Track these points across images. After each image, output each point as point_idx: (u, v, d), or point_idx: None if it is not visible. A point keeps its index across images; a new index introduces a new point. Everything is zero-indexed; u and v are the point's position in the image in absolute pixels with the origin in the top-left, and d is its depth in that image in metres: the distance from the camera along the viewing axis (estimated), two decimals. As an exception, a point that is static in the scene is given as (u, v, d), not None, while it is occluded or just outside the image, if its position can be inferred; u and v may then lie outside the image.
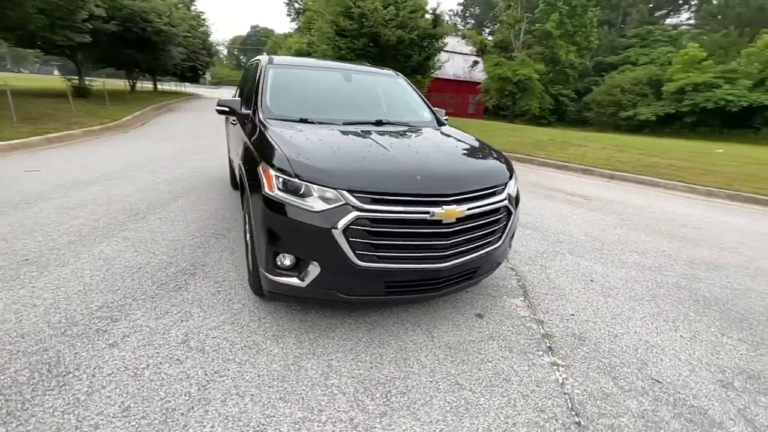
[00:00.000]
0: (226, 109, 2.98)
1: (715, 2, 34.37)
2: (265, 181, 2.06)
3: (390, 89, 3.58)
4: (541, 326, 2.50)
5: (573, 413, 1.81)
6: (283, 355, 2.06)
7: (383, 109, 3.31)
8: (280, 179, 2.00)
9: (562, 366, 2.13)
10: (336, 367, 1.99)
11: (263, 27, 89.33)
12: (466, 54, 36.24)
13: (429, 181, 2.04)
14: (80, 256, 3.01)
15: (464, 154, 2.50)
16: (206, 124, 12.48)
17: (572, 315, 2.66)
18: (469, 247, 2.16)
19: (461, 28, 55.19)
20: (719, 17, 30.86)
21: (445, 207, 2.00)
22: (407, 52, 19.86)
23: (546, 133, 15.91)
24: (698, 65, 24.77)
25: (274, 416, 1.67)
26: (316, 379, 1.90)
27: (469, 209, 2.07)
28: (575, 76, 33.50)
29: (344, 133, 2.57)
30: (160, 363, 1.94)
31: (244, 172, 2.56)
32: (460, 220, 2.05)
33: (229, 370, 1.92)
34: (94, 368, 1.87)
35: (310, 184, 1.95)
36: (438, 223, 2.00)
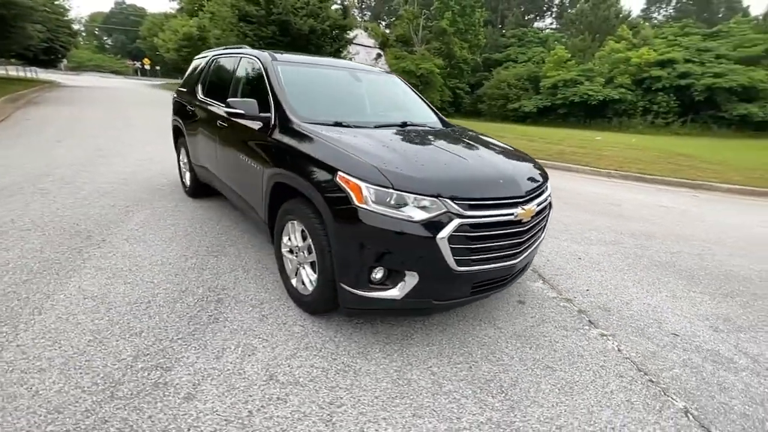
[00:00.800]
0: (240, 112, 2.63)
1: (570, 11, 40.84)
2: (351, 193, 1.93)
3: (392, 89, 3.56)
4: (572, 304, 2.85)
5: (642, 373, 2.14)
6: (383, 371, 1.99)
7: (400, 110, 3.28)
8: (372, 190, 1.90)
9: (609, 335, 2.49)
10: (440, 374, 2.01)
11: (131, 4, 77.04)
12: (369, 47, 36.76)
13: (509, 183, 2.16)
14: (53, 297, 2.40)
15: (510, 155, 2.66)
16: (95, 121, 10.53)
17: (587, 290, 3.07)
18: (532, 241, 2.35)
19: (359, 20, 55.64)
20: (577, 23, 36.74)
21: (523, 207, 2.14)
22: (319, 42, 19.38)
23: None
24: (564, 65, 29.27)
25: (421, 434, 1.64)
26: (432, 389, 1.90)
27: (537, 206, 2.26)
28: (468, 70, 36.58)
29: (404, 138, 2.52)
30: (263, 406, 1.71)
31: (288, 181, 2.33)
32: (531, 218, 2.22)
33: (341, 398, 1.80)
34: (189, 429, 1.58)
35: (405, 194, 1.90)
36: (518, 222, 2.14)
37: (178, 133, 4.64)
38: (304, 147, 2.28)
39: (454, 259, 1.95)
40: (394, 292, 1.99)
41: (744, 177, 8.08)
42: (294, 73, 2.94)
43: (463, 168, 2.19)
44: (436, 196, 1.91)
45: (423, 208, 1.90)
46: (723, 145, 17.19)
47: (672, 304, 2.97)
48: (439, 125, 3.25)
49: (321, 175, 2.09)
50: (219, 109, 3.31)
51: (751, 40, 26.13)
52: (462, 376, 2.01)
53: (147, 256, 3.04)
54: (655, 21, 48.82)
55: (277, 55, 3.06)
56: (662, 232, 4.75)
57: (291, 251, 2.51)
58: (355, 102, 3.12)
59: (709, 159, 10.62)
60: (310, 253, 2.29)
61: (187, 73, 4.72)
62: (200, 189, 4.44)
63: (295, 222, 2.34)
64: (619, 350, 2.34)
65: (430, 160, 2.19)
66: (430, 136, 2.69)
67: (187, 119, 4.13)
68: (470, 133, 3.12)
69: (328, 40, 19.89)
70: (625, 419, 1.81)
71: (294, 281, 2.50)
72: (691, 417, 1.86)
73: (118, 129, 9.63)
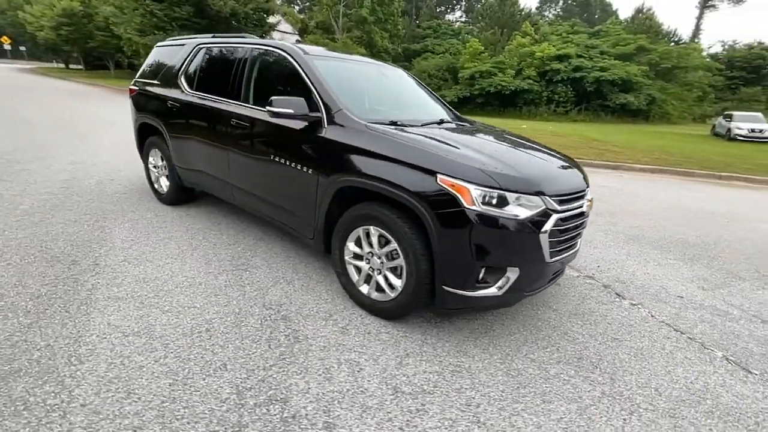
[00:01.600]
0: (289, 111, 2.40)
1: (479, 5, 43.74)
2: (459, 195, 1.93)
3: (409, 83, 3.52)
4: (594, 280, 3.20)
5: (680, 333, 2.53)
6: (490, 365, 2.06)
7: (421, 106, 3.27)
8: (480, 191, 1.93)
9: (638, 304, 2.87)
10: (538, 359, 2.15)
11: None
12: (288, 33, 35.13)
13: (575, 177, 2.35)
14: (84, 340, 2.00)
15: (549, 149, 2.85)
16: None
17: (598, 267, 3.47)
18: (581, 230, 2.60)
19: (278, 3, 52.75)
20: (486, 18, 39.44)
21: (586, 199, 2.35)
22: (240, 27, 17.98)
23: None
24: (479, 57, 31.35)
25: (562, 418, 1.76)
26: (541, 374, 2.03)
27: (589, 198, 2.49)
28: (390, 60, 37.17)
29: (466, 135, 2.54)
30: (409, 420, 1.67)
31: (363, 185, 2.22)
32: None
33: (474, 398, 1.83)
34: (354, 458, 1.48)
35: (509, 193, 1.96)
36: (582, 214, 2.34)
37: (147, 133, 4.03)
38: (380, 149, 2.19)
39: (549, 251, 2.08)
40: (494, 289, 2.06)
41: (649, 158, 9.66)
42: (330, 69, 2.76)
43: (544, 165, 2.32)
44: (539, 194, 2.01)
45: (524, 205, 1.99)
46: (614, 129, 20.15)
47: (662, 271, 3.50)
48: (455, 120, 3.31)
49: (416, 178, 2.04)
50: (235, 107, 2.97)
51: (625, 39, 30.82)
52: (557, 358, 2.17)
53: (167, 278, 2.65)
54: (547, 19, 54.57)
55: (306, 48, 2.83)
56: (618, 209, 5.50)
57: (358, 258, 2.42)
58: (392, 98, 3.04)
59: (615, 143, 12.42)
60: (392, 258, 2.23)
61: (151, 62, 4.10)
62: (182, 196, 3.96)
63: (372, 228, 2.26)
64: (652, 316, 2.72)
65: (515, 158, 2.27)
66: (480, 134, 2.77)
67: (168, 117, 3.60)
68: (495, 128, 3.26)
69: (250, 25, 18.55)
70: (694, 372, 2.15)
71: (365, 288, 2.41)
72: (732, 362, 2.27)
73: (16, 128, 7.97)
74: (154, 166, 4.06)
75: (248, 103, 2.95)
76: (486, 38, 34.90)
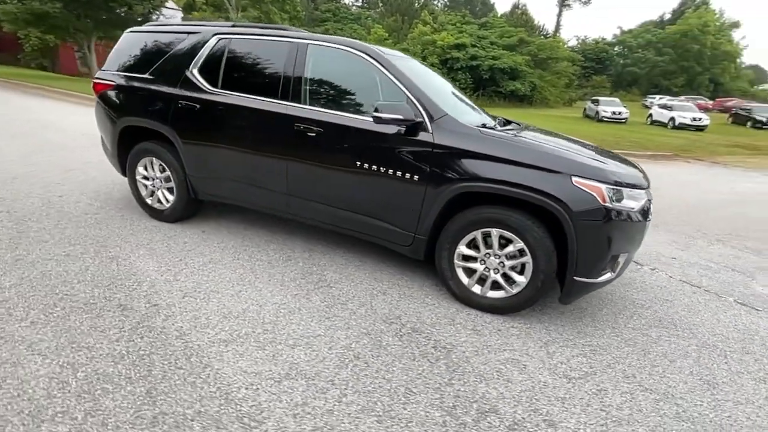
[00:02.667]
0: (399, 117, 2.28)
1: (375, -9, 44.35)
2: (595, 195, 2.13)
3: (439, 78, 3.56)
4: (611, 253, 3.77)
5: (696, 287, 3.19)
6: (612, 339, 2.36)
7: (460, 103, 3.30)
8: (610, 189, 2.16)
9: (655, 269, 3.49)
10: (636, 327, 2.52)
11: None
12: (171, 8, 30.79)
13: (635, 171, 2.74)
14: (233, 395, 1.72)
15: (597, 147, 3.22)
16: None
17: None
18: None
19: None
20: (386, 4, 40.07)
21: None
22: (125, 0, 15.24)
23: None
24: (384, 44, 31.95)
25: (691, 372, 2.13)
26: (648, 339, 2.40)
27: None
28: (291, 44, 35.49)
29: (550, 137, 2.73)
30: (599, 400, 1.86)
31: (486, 190, 2.28)
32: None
33: (624, 370, 2.10)
34: (595, 446, 1.62)
35: (626, 189, 2.24)
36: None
37: (134, 139, 3.34)
38: (506, 153, 2.26)
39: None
40: (611, 274, 2.35)
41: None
42: (408, 69, 2.66)
43: (622, 162, 2.65)
44: (641, 187, 2.33)
45: (634, 198, 2.29)
46: (509, 113, 22.68)
47: (671, 250, 4.24)
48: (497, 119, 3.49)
49: (551, 180, 2.17)
50: (301, 110, 2.68)
51: (509, 31, 34.50)
52: (645, 323, 2.57)
53: (256, 308, 2.35)
54: (437, 7, 57.85)
55: (377, 48, 2.67)
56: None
57: (470, 260, 2.48)
58: (448, 98, 3.03)
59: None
60: (514, 257, 2.35)
61: (130, 51, 3.37)
62: (190, 210, 3.43)
63: (493, 230, 2.34)
64: (670, 277, 3.35)
65: (607, 158, 2.55)
66: (552, 135, 2.97)
67: (181, 119, 3.03)
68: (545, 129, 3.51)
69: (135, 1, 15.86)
70: (729, 316, 2.76)
71: (477, 288, 2.50)
72: (741, 304, 2.97)
73: None
74: (146, 178, 3.39)
75: (306, 105, 2.69)
76: (389, 25, 35.62)
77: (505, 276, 2.42)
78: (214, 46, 3.02)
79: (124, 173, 3.56)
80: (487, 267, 2.44)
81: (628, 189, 2.26)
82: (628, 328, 2.51)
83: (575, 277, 2.26)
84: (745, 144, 13.86)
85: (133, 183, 3.48)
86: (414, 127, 2.40)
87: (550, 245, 2.24)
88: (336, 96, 2.73)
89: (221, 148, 2.99)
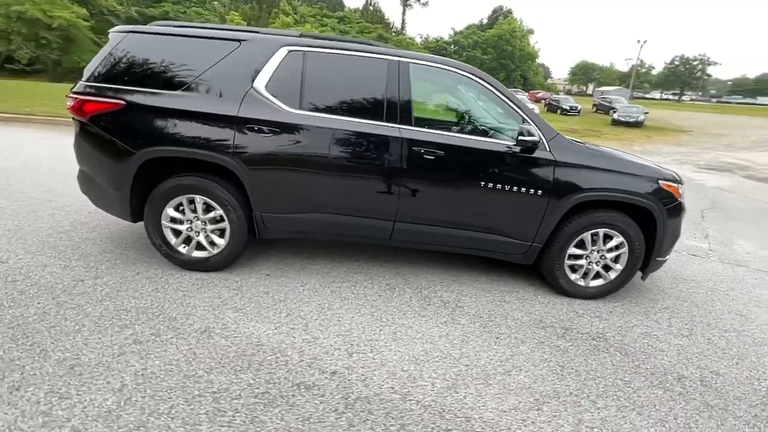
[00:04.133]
0: (536, 139, 2.44)
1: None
2: (673, 193, 2.75)
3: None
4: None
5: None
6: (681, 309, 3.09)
7: None
8: (681, 187, 2.82)
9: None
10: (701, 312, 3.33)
11: None
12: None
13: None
14: None
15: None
16: None
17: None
18: None
19: None
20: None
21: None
22: None
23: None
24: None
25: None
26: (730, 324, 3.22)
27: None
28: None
29: (603, 148, 3.25)
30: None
31: (604, 197, 2.70)
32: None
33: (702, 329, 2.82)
34: (751, 379, 2.22)
35: (681, 185, 2.94)
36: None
37: (159, 174, 2.60)
38: (605, 164, 2.71)
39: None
40: (671, 252, 3.06)
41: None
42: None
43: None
44: (681, 182, 3.08)
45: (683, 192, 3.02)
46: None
47: None
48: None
49: (644, 184, 2.71)
50: (409, 132, 2.56)
51: (367, 27, 36.08)
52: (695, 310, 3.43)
53: (432, 345, 2.25)
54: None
55: (478, 70, 2.72)
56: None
57: (577, 258, 2.87)
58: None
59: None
60: (611, 250, 2.83)
61: (151, 61, 2.56)
62: (237, 254, 2.89)
63: (601, 230, 2.77)
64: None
65: (648, 161, 3.22)
66: (596, 145, 3.54)
67: (251, 146, 2.49)
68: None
69: None
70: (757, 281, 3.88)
71: (582, 282, 2.91)
72: (738, 266, 4.17)
73: None
74: (178, 221, 2.68)
75: (403, 125, 2.60)
76: (245, 12, 32.83)
77: (605, 267, 2.89)
78: (283, 60, 2.56)
79: (135, 219, 2.71)
80: (590, 261, 2.87)
81: (682, 185, 2.97)
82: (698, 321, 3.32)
83: (657, 258, 2.88)
84: (566, 129, 18.08)
85: (157, 229, 2.69)
86: (533, 147, 2.62)
87: (642, 236, 2.80)
88: (446, 117, 2.71)
89: (311, 177, 2.61)
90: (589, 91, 74.63)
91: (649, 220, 2.78)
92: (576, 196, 2.68)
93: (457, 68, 2.70)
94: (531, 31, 60.71)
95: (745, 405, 2.02)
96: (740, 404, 2.02)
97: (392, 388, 1.92)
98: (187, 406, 1.69)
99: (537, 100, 36.50)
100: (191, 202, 2.65)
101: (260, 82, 2.54)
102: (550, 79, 79.16)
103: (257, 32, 2.68)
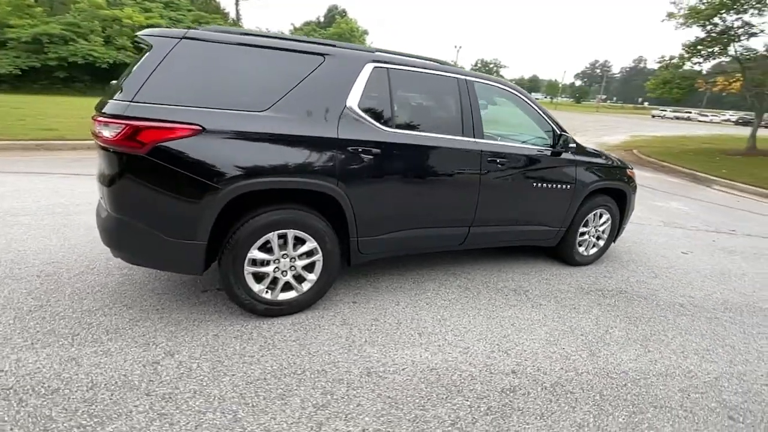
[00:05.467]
0: (573, 146, 3.00)
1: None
2: (633, 177, 3.78)
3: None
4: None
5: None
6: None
7: None
8: (632, 171, 3.88)
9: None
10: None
11: None
12: None
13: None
14: None
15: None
16: None
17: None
18: None
19: None
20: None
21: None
22: None
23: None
24: (28, 11, 22.59)
25: (655, 254, 4.31)
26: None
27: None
28: None
29: None
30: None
31: (605, 185, 3.49)
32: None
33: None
34: None
35: (625, 171, 4.04)
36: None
37: (237, 214, 2.20)
38: (601, 158, 3.52)
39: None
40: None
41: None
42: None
43: None
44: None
45: (622, 175, 4.14)
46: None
47: None
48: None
49: (622, 171, 3.65)
50: (485, 145, 2.84)
51: (202, 16, 32.22)
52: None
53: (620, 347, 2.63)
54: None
55: (519, 87, 3.12)
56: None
57: (583, 234, 3.66)
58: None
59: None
60: (603, 224, 3.73)
61: (215, 76, 2.07)
62: (327, 288, 2.71)
63: (601, 209, 3.61)
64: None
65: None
66: None
67: (355, 171, 2.32)
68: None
69: None
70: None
71: (585, 252, 3.73)
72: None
73: None
74: (263, 263, 2.30)
75: (478, 138, 2.88)
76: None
77: (597, 238, 3.77)
78: (370, 77, 2.45)
79: (203, 269, 2.20)
80: (591, 236, 3.70)
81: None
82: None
83: (623, 226, 3.92)
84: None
85: (240, 277, 2.25)
86: (572, 150, 3.25)
87: (618, 211, 3.77)
88: (502, 129, 3.04)
89: (404, 195, 2.59)
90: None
91: (622, 198, 3.76)
92: (589, 188, 3.43)
93: (505, 85, 3.08)
94: (366, 32, 64.79)
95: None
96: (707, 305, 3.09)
97: (561, 368, 2.23)
98: (451, 445, 1.65)
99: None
100: (281, 237, 2.31)
101: (353, 101, 2.38)
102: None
103: (335, 46, 2.46)
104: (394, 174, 2.54)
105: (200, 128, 1.98)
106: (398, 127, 2.55)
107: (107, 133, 1.91)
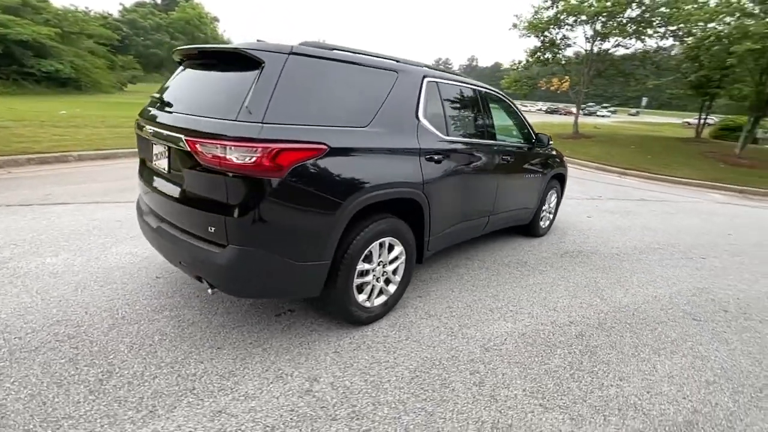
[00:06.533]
0: (551, 142, 3.77)
1: None
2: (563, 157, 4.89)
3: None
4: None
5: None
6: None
7: None
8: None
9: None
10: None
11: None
12: None
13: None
14: None
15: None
16: None
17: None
18: None
19: None
20: None
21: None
22: None
23: None
24: None
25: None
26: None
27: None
28: None
29: None
30: (600, 237, 4.91)
31: (563, 171, 4.43)
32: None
33: (578, 228, 5.24)
34: (624, 245, 4.68)
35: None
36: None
37: (358, 222, 2.26)
38: (554, 152, 4.47)
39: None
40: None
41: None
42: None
43: None
44: (550, 156, 5.33)
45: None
46: (70, 103, 18.14)
47: None
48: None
49: (561, 156, 4.68)
50: (498, 144, 3.37)
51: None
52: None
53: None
54: None
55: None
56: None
57: (545, 210, 4.60)
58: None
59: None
60: (553, 202, 4.74)
61: (325, 92, 2.04)
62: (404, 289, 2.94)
63: (553, 190, 4.58)
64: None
65: None
66: None
67: (431, 176, 2.55)
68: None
69: None
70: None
71: (544, 225, 4.70)
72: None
73: None
74: (364, 273, 2.39)
75: (494, 140, 3.42)
76: None
77: (549, 212, 4.76)
78: (428, 90, 2.68)
79: (321, 288, 2.19)
80: (546, 211, 4.66)
81: (552, 158, 5.19)
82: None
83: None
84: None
85: (350, 290, 2.29)
86: (548, 146, 4.05)
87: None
88: (504, 130, 3.61)
89: (458, 193, 2.95)
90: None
91: (562, 180, 4.83)
92: (550, 174, 4.34)
93: (500, 92, 3.66)
94: (216, 19, 59.27)
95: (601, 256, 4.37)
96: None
97: (594, 312, 2.96)
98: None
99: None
100: (382, 246, 2.42)
101: (421, 113, 2.60)
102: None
103: (398, 61, 2.60)
104: (452, 176, 2.86)
105: (327, 147, 1.97)
106: (450, 134, 2.87)
107: (236, 158, 1.75)
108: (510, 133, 3.89)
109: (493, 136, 3.38)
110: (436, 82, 2.84)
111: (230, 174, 1.80)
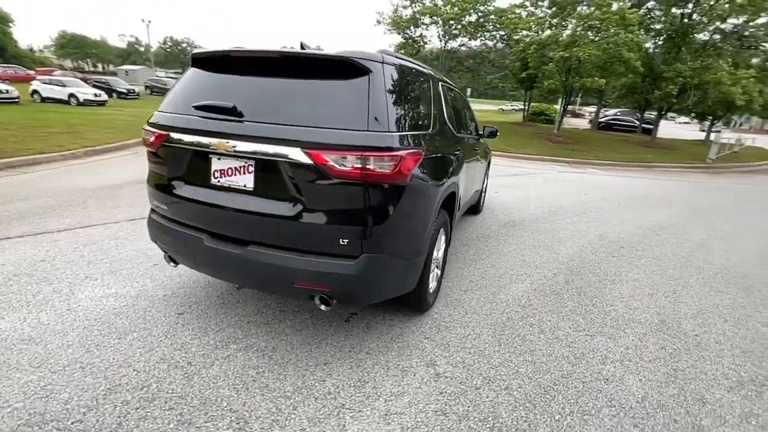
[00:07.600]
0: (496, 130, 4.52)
1: None
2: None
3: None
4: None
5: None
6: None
7: None
8: (483, 147, 5.95)
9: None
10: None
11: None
12: None
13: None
14: None
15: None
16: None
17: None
18: None
19: None
20: None
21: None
22: None
23: None
24: None
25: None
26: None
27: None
28: None
29: None
30: (516, 207, 6.09)
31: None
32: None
33: (497, 202, 6.34)
34: None
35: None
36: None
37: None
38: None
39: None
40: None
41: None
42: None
43: None
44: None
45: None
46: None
47: None
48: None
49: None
50: (468, 135, 3.90)
51: None
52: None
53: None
54: None
55: None
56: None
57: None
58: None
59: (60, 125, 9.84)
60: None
61: (408, 99, 2.13)
62: None
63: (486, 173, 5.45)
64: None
65: None
66: None
67: (459, 168, 2.93)
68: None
69: None
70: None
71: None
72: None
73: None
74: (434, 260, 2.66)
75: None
76: None
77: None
78: (444, 93, 2.99)
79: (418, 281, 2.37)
80: (483, 190, 5.52)
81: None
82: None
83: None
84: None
85: (427, 277, 2.52)
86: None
87: (486, 172, 5.78)
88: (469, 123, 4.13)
89: (468, 183, 3.42)
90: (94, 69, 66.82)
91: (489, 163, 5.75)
92: (487, 159, 5.16)
93: (456, 88, 4.18)
94: (9, 19, 44.27)
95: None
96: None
97: (590, 251, 3.85)
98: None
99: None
100: (439, 234, 2.69)
101: (446, 116, 2.91)
102: (35, 51, 62.47)
103: (412, 61, 2.80)
104: (464, 166, 3.28)
105: (423, 151, 2.13)
106: (459, 132, 3.26)
107: (379, 167, 1.78)
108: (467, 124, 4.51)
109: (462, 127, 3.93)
110: (440, 83, 3.18)
111: (366, 184, 1.81)
